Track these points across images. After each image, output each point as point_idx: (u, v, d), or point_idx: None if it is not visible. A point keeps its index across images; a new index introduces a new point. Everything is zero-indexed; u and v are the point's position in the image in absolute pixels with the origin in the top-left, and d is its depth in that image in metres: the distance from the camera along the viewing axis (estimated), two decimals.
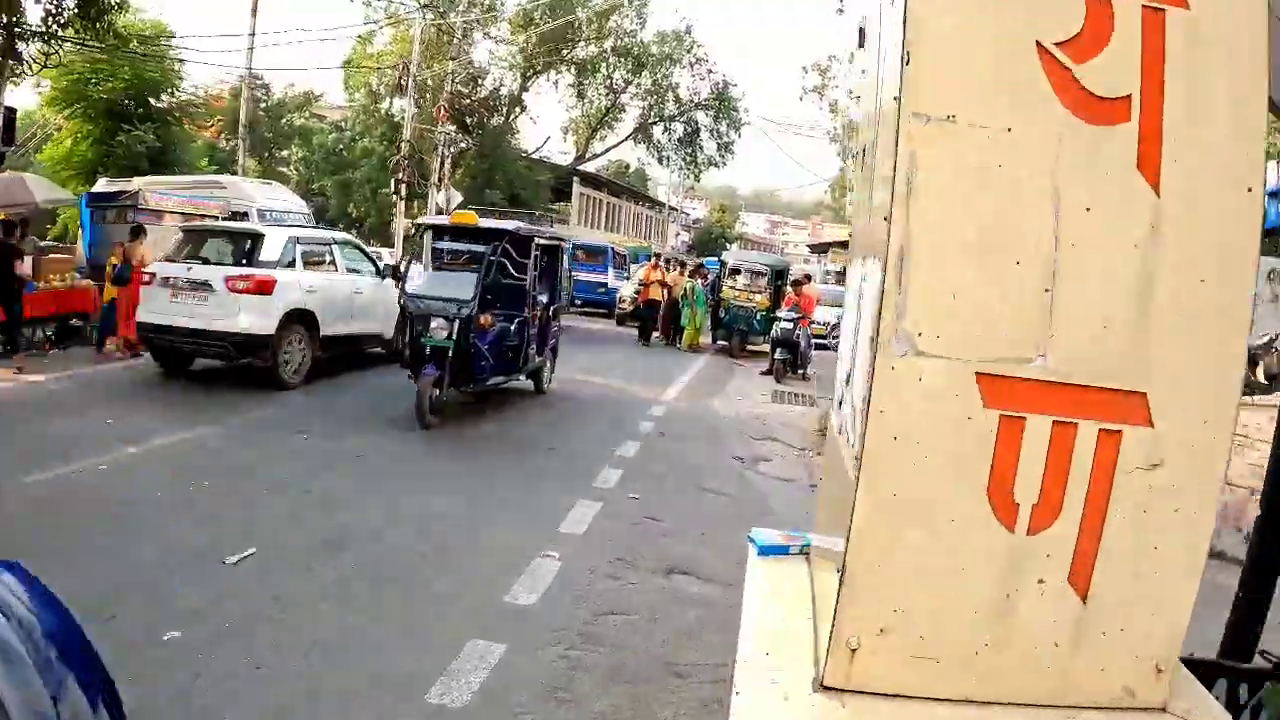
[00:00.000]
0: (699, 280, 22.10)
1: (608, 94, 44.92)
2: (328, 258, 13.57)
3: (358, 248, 15.07)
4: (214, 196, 19.56)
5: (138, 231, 14.30)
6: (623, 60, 43.64)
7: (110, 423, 9.52)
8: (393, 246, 30.65)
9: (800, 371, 17.96)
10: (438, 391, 10.57)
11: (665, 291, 22.25)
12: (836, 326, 24.82)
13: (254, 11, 26.95)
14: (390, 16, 35.17)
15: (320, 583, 5.77)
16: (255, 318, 11.71)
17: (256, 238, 12.61)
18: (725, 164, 45.69)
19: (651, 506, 8.17)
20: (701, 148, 45.53)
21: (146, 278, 12.49)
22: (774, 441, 12.23)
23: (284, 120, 50.30)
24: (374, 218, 40.72)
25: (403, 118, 41.96)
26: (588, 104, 45.51)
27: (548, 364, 13.74)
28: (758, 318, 20.82)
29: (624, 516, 7.76)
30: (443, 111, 23.49)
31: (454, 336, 10.53)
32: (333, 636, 5.03)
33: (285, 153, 56.77)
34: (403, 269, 12.38)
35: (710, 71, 44.63)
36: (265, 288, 11.83)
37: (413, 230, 11.26)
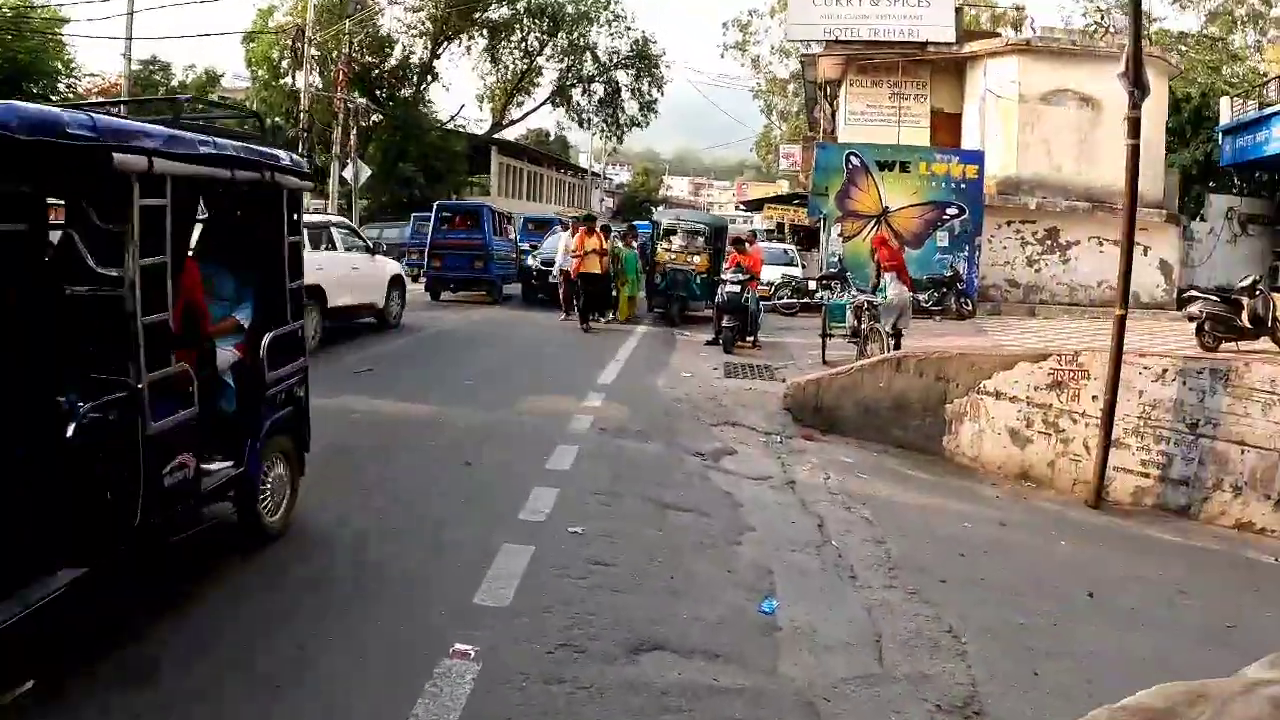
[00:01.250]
0: (628, 243, 19.77)
1: (523, 57, 42.27)
2: (326, 238, 14.45)
3: (350, 228, 16.37)
4: None
5: None
6: (537, 21, 41.08)
7: None
8: None
9: (751, 339, 16.02)
10: None
11: (603, 262, 18.14)
12: (784, 287, 23.07)
13: None
14: None
15: None
16: None
17: None
18: (648, 123, 43.43)
19: (600, 543, 6.16)
20: (623, 108, 43.10)
21: None
22: (735, 427, 10.38)
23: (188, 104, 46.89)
24: None
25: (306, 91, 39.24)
26: (502, 69, 42.89)
27: (276, 481, 5.77)
28: (697, 282, 18.81)
29: (565, 565, 5.71)
30: (342, 75, 20.83)
31: None
32: None
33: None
34: None
35: (629, 28, 42.22)
36: None
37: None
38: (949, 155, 22.85)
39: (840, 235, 22.71)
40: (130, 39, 23.51)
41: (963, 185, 22.50)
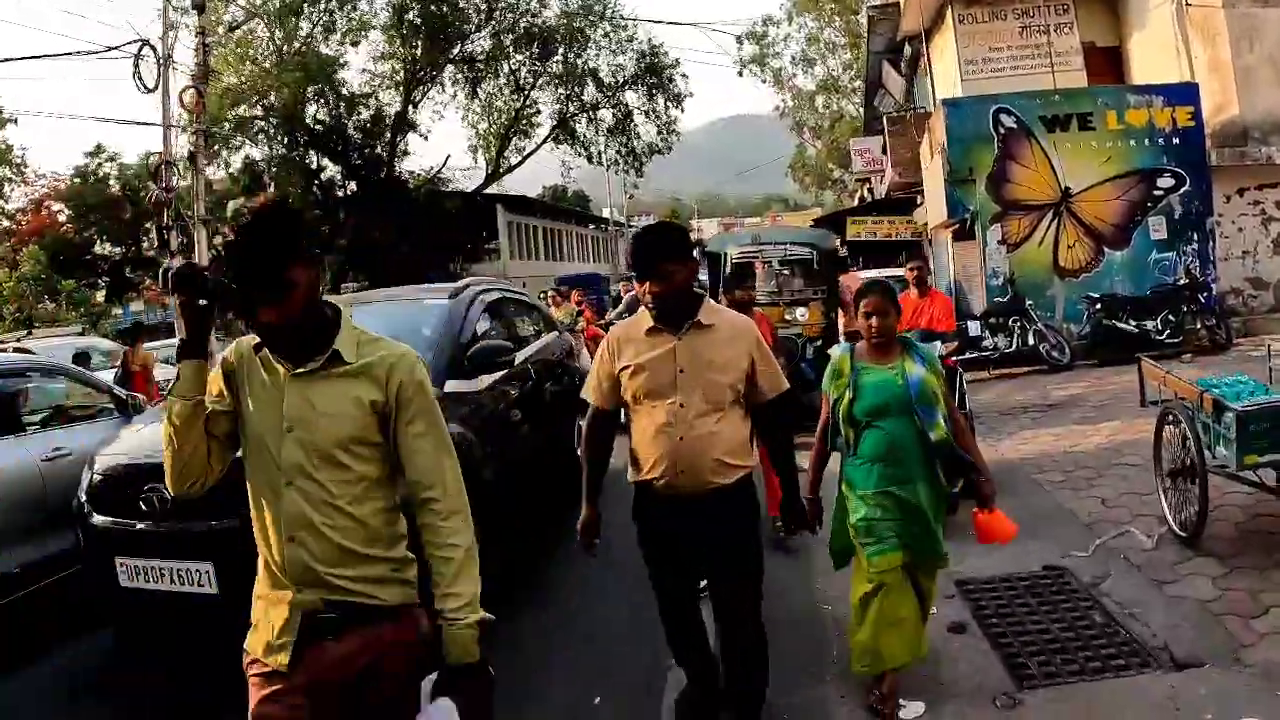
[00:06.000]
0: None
1: (514, 93, 33.35)
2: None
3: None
4: None
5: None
6: (525, 49, 32.29)
7: None
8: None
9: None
10: None
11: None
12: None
13: None
14: None
15: None
16: None
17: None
18: (670, 147, 34.10)
19: None
20: (638, 134, 33.92)
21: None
22: None
23: (146, 198, 38.77)
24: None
25: (261, 162, 30.83)
26: (495, 113, 34.03)
27: None
28: (809, 355, 9.51)
29: None
30: (195, 99, 12.54)
31: None
32: None
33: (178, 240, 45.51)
34: None
35: (631, 39, 33.11)
36: None
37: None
38: (1147, 95, 13.52)
39: (1001, 242, 13.39)
40: None
41: (1174, 140, 13.26)
